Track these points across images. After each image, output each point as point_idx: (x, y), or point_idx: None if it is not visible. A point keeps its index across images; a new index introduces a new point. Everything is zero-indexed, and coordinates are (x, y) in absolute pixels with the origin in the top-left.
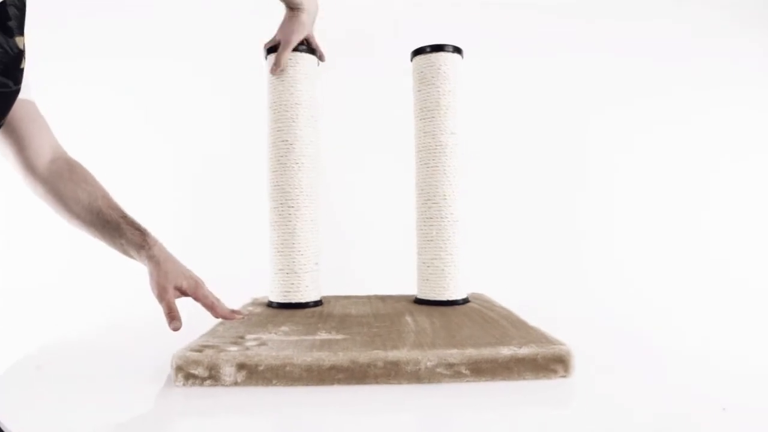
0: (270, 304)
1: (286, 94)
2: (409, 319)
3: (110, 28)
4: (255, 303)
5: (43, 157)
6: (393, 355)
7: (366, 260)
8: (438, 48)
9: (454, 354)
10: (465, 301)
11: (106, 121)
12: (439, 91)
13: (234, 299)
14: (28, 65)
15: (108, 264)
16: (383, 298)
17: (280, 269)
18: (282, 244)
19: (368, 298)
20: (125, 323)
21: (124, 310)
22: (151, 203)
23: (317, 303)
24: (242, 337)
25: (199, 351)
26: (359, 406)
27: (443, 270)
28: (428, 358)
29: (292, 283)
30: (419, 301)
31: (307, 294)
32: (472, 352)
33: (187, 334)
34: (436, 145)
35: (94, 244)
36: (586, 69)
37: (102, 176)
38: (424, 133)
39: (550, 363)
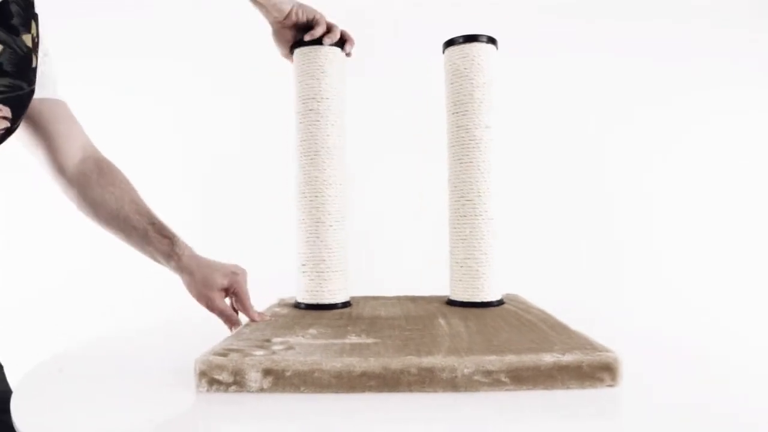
0: (297, 305)
1: (314, 88)
2: (442, 321)
3: (128, 24)
4: (282, 304)
5: (72, 158)
6: (427, 361)
7: (396, 260)
8: (472, 38)
9: (492, 360)
10: (500, 302)
11: (132, 120)
12: (472, 84)
13: (261, 300)
14: (54, 64)
15: (132, 263)
16: (414, 299)
17: (307, 269)
18: (310, 243)
19: (398, 299)
20: (149, 325)
21: (149, 311)
22: (176, 203)
23: (346, 304)
24: (269, 341)
25: (224, 355)
26: (392, 414)
27: (477, 270)
28: (465, 364)
29: (320, 284)
30: (452, 303)
31: (335, 295)
32: (512, 359)
33: (213, 335)
34: (470, 140)
35: (116, 244)
36: (629, 64)
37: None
38: (458, 127)
39: (597, 371)
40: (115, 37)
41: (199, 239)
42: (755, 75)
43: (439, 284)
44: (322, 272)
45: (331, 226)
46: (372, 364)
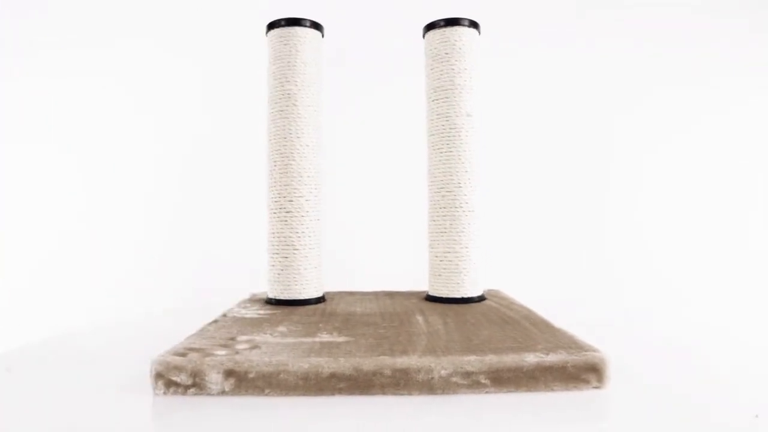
0: (269, 301)
1: (287, 72)
2: (420, 318)
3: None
4: (253, 299)
5: None
6: (402, 361)
7: (373, 254)
8: (453, 22)
9: (472, 361)
10: (481, 298)
11: (97, 115)
12: (453, 69)
13: (233, 295)
14: None
15: (89, 262)
16: (391, 295)
17: (278, 263)
18: (282, 236)
19: (375, 294)
20: (105, 324)
21: (105, 310)
22: (146, 198)
23: (319, 299)
24: (233, 339)
25: (183, 355)
26: (363, 420)
27: (457, 265)
28: (442, 365)
29: (292, 278)
30: (431, 299)
31: (308, 290)
32: (492, 359)
33: (175, 334)
34: (450, 128)
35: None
36: (620, 51)
37: (97, 174)
38: (437, 115)
39: (582, 372)
40: (75, 21)
41: (171, 233)
42: (753, 69)
43: (418, 280)
44: (295, 267)
45: (303, 217)
46: (342, 364)
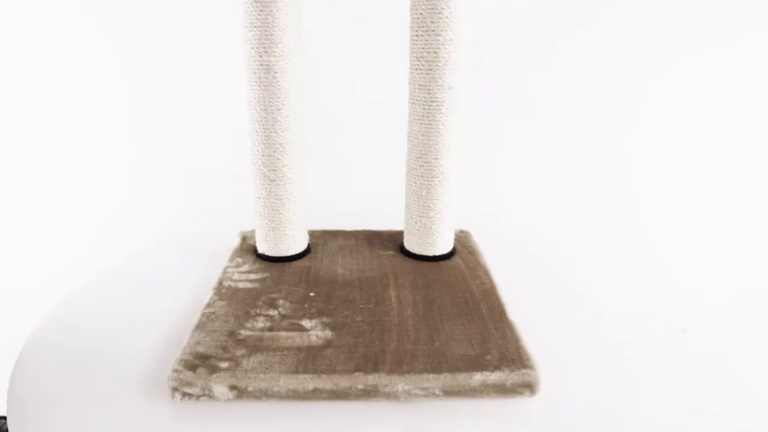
0: (259, 255)
1: (265, 42)
2: (393, 293)
3: None
4: (244, 248)
5: None
6: (373, 378)
7: (356, 184)
8: None
9: (429, 378)
10: (451, 253)
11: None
12: (438, 40)
13: (225, 229)
14: None
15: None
16: (371, 241)
17: (265, 225)
18: (267, 202)
19: (356, 238)
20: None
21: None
22: (128, 135)
23: (305, 252)
24: (233, 334)
25: (192, 369)
26: (341, 421)
27: (430, 228)
28: (405, 381)
29: (280, 238)
30: (406, 253)
31: (294, 247)
32: (446, 378)
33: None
34: (431, 101)
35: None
36: (612, 21)
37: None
38: (420, 86)
39: (518, 387)
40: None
41: (160, 173)
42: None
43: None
44: (280, 228)
45: (286, 185)
46: (324, 380)
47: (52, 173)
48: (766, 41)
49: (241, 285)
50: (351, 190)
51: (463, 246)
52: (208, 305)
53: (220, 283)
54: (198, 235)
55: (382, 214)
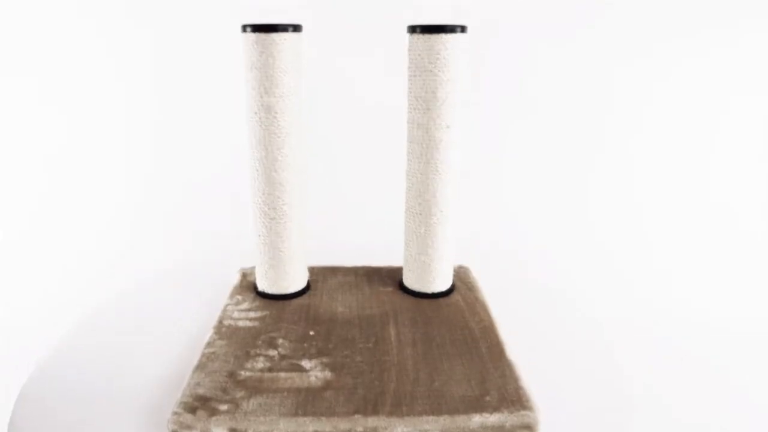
0: (259, 293)
1: (265, 83)
2: (392, 332)
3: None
4: (244, 285)
5: None
6: (372, 420)
7: (355, 222)
8: (438, 29)
9: (429, 420)
10: (450, 290)
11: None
12: (436, 81)
13: (225, 268)
14: None
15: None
16: (370, 279)
17: (265, 262)
18: (267, 240)
19: (355, 275)
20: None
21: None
22: (128, 175)
23: (305, 289)
24: (233, 375)
25: (193, 412)
26: None
27: (429, 265)
28: (405, 424)
29: (280, 276)
30: (405, 289)
31: (293, 285)
32: (446, 420)
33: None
34: (429, 140)
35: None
36: (604, 41)
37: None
38: (417, 125)
39: (517, 429)
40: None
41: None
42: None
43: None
44: (280, 266)
45: (286, 223)
46: (323, 423)
47: (52, 204)
48: (765, 42)
49: (241, 323)
50: (351, 223)
51: (462, 282)
52: (209, 344)
53: (220, 321)
54: (199, 267)
55: (382, 249)
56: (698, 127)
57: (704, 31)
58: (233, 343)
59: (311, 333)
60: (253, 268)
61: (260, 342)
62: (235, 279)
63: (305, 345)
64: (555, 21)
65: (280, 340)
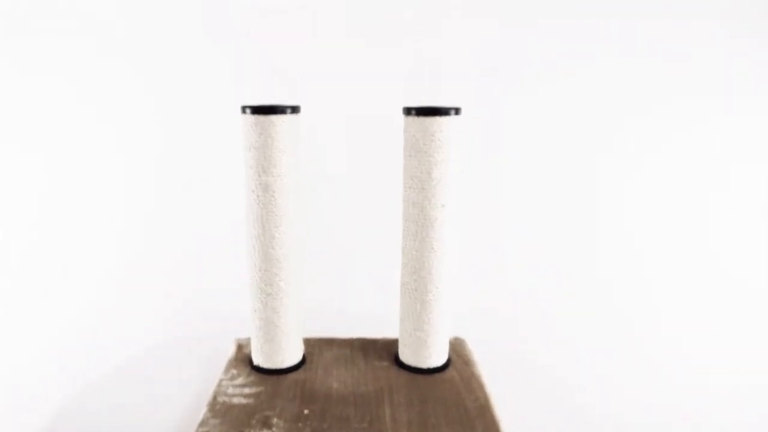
0: (254, 367)
1: (264, 163)
2: (387, 411)
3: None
4: (239, 353)
5: None
6: None
7: (351, 288)
8: (432, 111)
9: None
10: (446, 365)
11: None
12: (431, 161)
13: (219, 338)
14: None
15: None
16: (366, 351)
17: (261, 337)
18: (263, 315)
19: (351, 348)
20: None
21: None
22: (125, 233)
23: (300, 363)
24: None
25: None
26: None
27: (425, 341)
28: None
29: (275, 351)
30: (400, 364)
31: (289, 360)
32: None
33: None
34: (425, 218)
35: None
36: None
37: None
38: (413, 203)
39: None
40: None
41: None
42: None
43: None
44: (275, 341)
45: (282, 299)
46: None
47: (42, 278)
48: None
49: (235, 400)
50: (347, 290)
51: (458, 356)
52: (202, 424)
53: (214, 397)
54: (194, 334)
55: (377, 318)
56: (699, 193)
57: (703, 97)
58: (227, 422)
59: (306, 412)
60: (248, 339)
61: (254, 421)
62: (231, 350)
63: (300, 425)
64: (547, 88)
65: (275, 419)
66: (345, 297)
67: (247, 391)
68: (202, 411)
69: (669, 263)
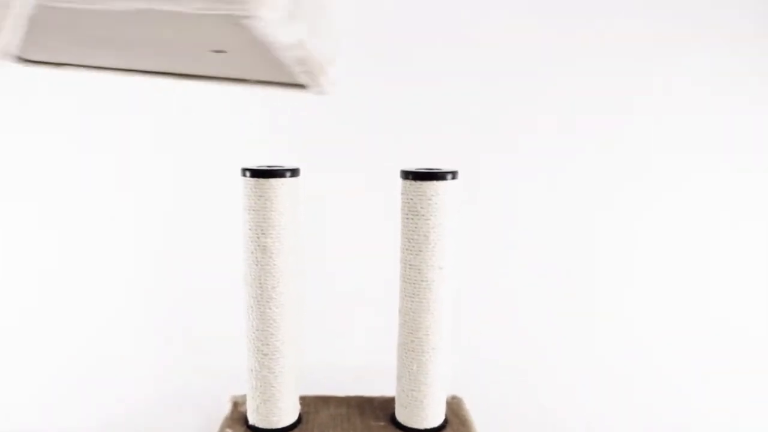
0: (250, 427)
1: (263, 225)
2: None
3: None
4: (235, 411)
5: None
6: None
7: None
8: (429, 176)
9: None
10: (443, 425)
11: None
12: (428, 224)
13: (215, 394)
14: None
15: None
16: (362, 410)
17: (257, 396)
18: (259, 375)
19: (347, 406)
20: None
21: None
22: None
23: (297, 422)
24: None
25: None
26: None
27: (421, 402)
28: None
29: (270, 411)
30: (396, 424)
31: (285, 419)
32: None
33: None
34: (422, 280)
35: None
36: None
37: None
38: (410, 265)
39: None
40: None
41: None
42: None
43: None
44: (272, 401)
45: (279, 359)
46: None
47: (37, 327)
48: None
49: None
50: (344, 348)
51: (455, 415)
52: None
53: None
54: (190, 390)
55: (375, 373)
56: (695, 250)
57: (703, 154)
58: None
59: None
60: (244, 396)
61: None
62: (227, 409)
63: None
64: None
65: None
66: (343, 353)
67: None
68: None
69: (669, 323)
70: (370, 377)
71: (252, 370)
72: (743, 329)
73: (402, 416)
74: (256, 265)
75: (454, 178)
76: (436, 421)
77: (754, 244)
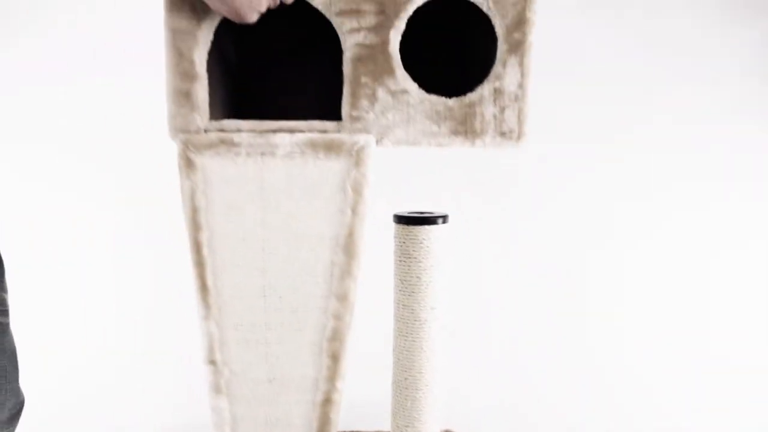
0: None
1: None
2: None
3: None
4: None
5: None
6: None
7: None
8: (421, 221)
9: None
10: None
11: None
12: (420, 266)
13: None
14: None
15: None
16: None
17: None
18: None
19: None
20: None
21: None
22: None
23: None
24: None
25: None
26: None
27: None
28: None
29: None
30: None
31: None
32: None
33: None
34: (415, 320)
35: None
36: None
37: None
38: (403, 306)
39: None
40: None
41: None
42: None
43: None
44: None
45: None
46: None
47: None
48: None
49: None
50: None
51: None
52: None
53: None
54: None
55: (371, 406)
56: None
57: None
58: None
59: None
60: None
61: None
62: None
63: None
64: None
65: None
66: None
67: None
68: None
69: (669, 363)
70: (367, 411)
71: None
72: (738, 332)
73: None
74: None
75: (444, 221)
76: None
77: (751, 244)
